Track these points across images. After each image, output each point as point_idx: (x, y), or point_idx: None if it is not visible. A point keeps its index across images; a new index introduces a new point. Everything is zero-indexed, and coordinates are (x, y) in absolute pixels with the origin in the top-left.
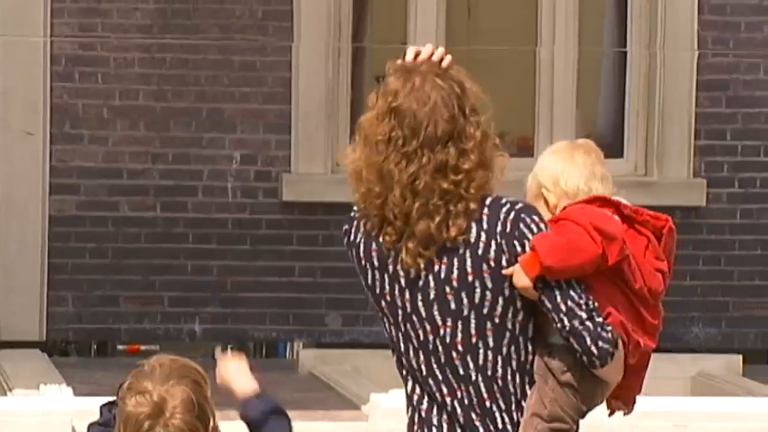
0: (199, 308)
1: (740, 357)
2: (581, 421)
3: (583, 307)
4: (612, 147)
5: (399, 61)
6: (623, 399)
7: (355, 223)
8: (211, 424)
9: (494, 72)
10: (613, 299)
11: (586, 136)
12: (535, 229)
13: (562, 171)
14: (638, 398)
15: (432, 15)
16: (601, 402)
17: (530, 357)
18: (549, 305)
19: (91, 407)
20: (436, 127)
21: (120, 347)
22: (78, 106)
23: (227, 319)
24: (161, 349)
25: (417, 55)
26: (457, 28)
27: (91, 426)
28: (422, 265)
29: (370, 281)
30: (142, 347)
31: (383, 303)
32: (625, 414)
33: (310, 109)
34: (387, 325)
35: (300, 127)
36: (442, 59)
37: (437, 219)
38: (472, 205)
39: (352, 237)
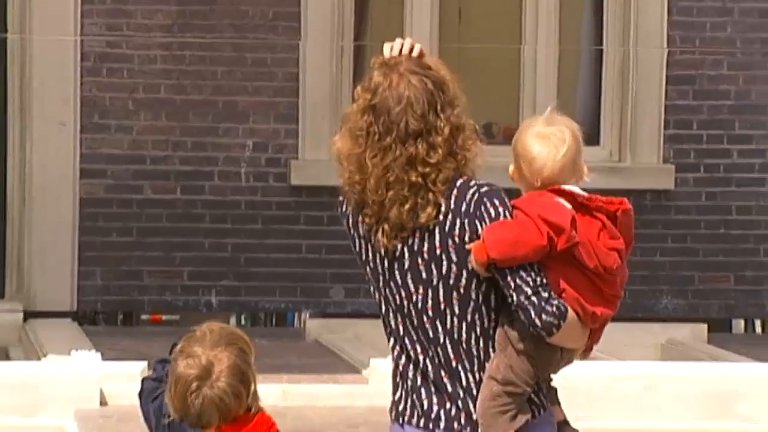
0: (215, 282)
1: (705, 326)
2: (560, 382)
3: (530, 284)
4: (589, 136)
5: (381, 58)
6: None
7: (344, 199)
8: (252, 388)
9: (482, 68)
10: (570, 278)
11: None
12: (493, 213)
13: (543, 163)
14: (613, 362)
15: (426, 17)
16: (565, 365)
17: (493, 324)
18: (501, 282)
19: (117, 371)
20: (407, 124)
21: (143, 317)
22: (105, 98)
23: (241, 291)
24: (181, 319)
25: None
26: (449, 28)
27: (144, 380)
28: (398, 242)
29: (357, 249)
30: (164, 317)
31: (368, 269)
32: (581, 359)
33: (315, 101)
34: (372, 288)
35: (307, 118)
36: (412, 49)
37: (407, 207)
38: (439, 197)
39: (344, 209)
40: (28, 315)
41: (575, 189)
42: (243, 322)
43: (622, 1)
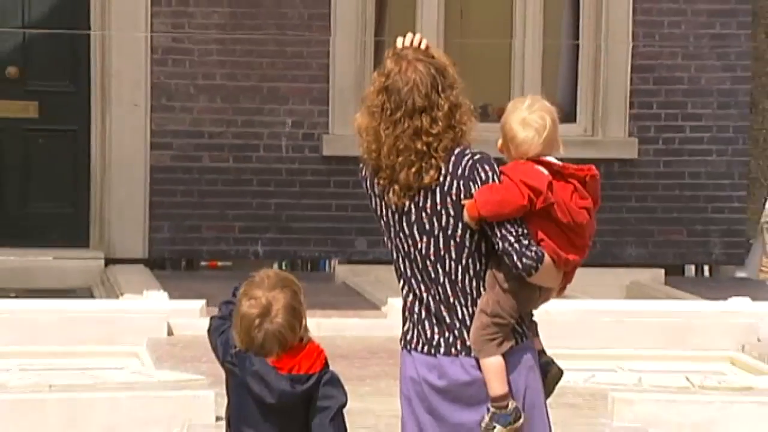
0: (261, 234)
1: (662, 270)
2: (541, 317)
3: (513, 234)
4: (567, 114)
5: (394, 49)
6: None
7: (364, 165)
8: (303, 322)
9: (480, 58)
10: (547, 230)
11: None
12: (483, 176)
13: (528, 147)
14: (586, 300)
15: (434, 16)
16: (543, 302)
17: (484, 267)
18: (490, 233)
19: (181, 307)
20: (414, 101)
21: (202, 263)
22: (171, 84)
23: (282, 242)
24: (233, 265)
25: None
26: (453, 25)
27: (212, 318)
28: (406, 200)
29: (373, 206)
30: (219, 263)
31: (382, 222)
32: (557, 297)
33: (343, 86)
34: (386, 238)
35: (336, 100)
36: (420, 42)
37: (413, 170)
38: (440, 162)
39: (363, 173)
40: (108, 261)
41: (552, 159)
42: (284, 267)
43: (595, 3)
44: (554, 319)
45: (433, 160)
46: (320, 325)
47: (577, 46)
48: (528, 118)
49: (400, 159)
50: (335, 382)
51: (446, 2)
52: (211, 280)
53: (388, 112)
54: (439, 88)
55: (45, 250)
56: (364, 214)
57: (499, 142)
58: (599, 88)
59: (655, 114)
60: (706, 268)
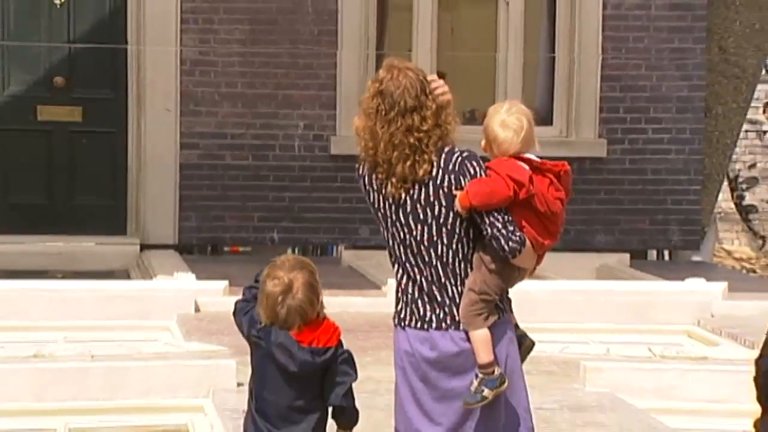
0: (276, 223)
1: (628, 255)
2: (512, 289)
3: (500, 221)
4: (544, 118)
5: (387, 61)
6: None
7: (362, 163)
8: (320, 298)
9: (469, 68)
10: (527, 218)
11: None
12: (472, 171)
13: (508, 146)
14: (561, 281)
15: (428, 33)
16: (520, 281)
17: (471, 251)
18: (479, 221)
19: (207, 287)
20: (405, 102)
21: (225, 249)
22: (198, 92)
23: (295, 230)
24: (252, 250)
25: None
26: (445, 41)
27: (237, 302)
28: (402, 192)
29: (371, 200)
30: (240, 249)
31: (379, 214)
32: (528, 276)
33: (348, 94)
34: (382, 228)
35: (342, 106)
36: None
37: (408, 164)
38: (432, 156)
39: (361, 171)
40: (143, 247)
41: (532, 156)
42: (296, 252)
43: (569, 21)
44: (534, 298)
45: (425, 156)
46: (328, 303)
47: (553, 58)
48: (507, 120)
49: (396, 153)
50: (351, 361)
51: (439, 21)
52: (233, 264)
53: (383, 113)
54: (427, 91)
55: (88, 237)
56: (366, 206)
57: (483, 142)
58: (573, 95)
59: (621, 118)
60: (666, 252)
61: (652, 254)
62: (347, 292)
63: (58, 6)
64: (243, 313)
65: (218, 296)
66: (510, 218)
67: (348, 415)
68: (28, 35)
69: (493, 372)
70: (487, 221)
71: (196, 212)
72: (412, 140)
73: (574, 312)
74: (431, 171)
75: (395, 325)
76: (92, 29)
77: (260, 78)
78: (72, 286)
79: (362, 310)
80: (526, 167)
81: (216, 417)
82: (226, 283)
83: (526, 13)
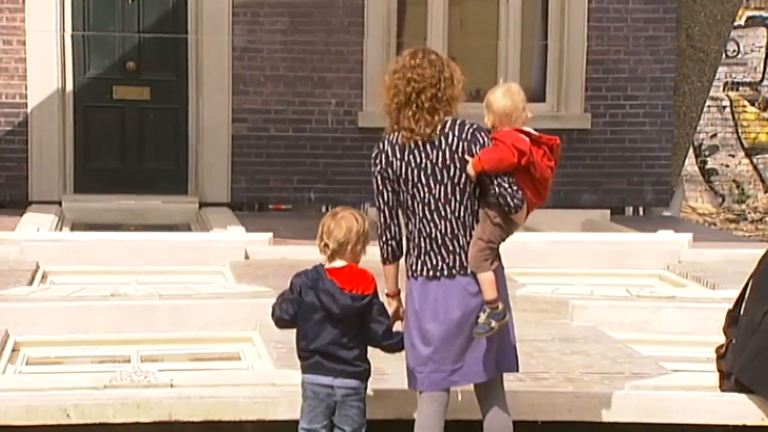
0: (312, 185)
1: (608, 211)
2: (512, 240)
3: (506, 182)
4: (539, 95)
5: (410, 49)
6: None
7: (382, 143)
8: (360, 245)
9: (475, 54)
10: (526, 182)
11: (524, 89)
12: (481, 140)
13: (511, 110)
14: (552, 233)
15: (440, 24)
16: (514, 231)
17: (477, 207)
18: (488, 182)
19: (254, 239)
20: (425, 80)
21: (270, 207)
22: (246, 74)
23: (328, 191)
24: (293, 208)
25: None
26: (455, 30)
27: (278, 296)
28: (423, 154)
29: (394, 169)
30: (282, 207)
31: (401, 179)
32: (515, 230)
33: (373, 75)
34: (402, 192)
35: (368, 86)
36: None
37: (429, 129)
38: (445, 120)
39: (382, 146)
40: (202, 205)
41: (531, 130)
42: (329, 210)
43: (559, 14)
44: (530, 248)
45: (437, 117)
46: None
47: (546, 45)
48: (502, 96)
49: (417, 117)
50: (384, 312)
51: (450, 14)
52: (276, 219)
53: (408, 89)
54: (445, 73)
55: (155, 196)
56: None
57: (486, 118)
58: (562, 77)
59: (603, 95)
60: (641, 209)
61: (629, 210)
62: (373, 243)
63: (130, 2)
64: (284, 294)
65: (264, 246)
66: (514, 180)
67: (391, 349)
68: (104, 27)
69: (498, 307)
70: (496, 182)
71: (245, 176)
72: (433, 106)
73: (564, 259)
74: (448, 138)
75: (408, 277)
76: (158, 21)
77: (298, 62)
78: (142, 237)
79: None
80: (527, 139)
81: (263, 346)
82: (270, 234)
83: (523, 8)
